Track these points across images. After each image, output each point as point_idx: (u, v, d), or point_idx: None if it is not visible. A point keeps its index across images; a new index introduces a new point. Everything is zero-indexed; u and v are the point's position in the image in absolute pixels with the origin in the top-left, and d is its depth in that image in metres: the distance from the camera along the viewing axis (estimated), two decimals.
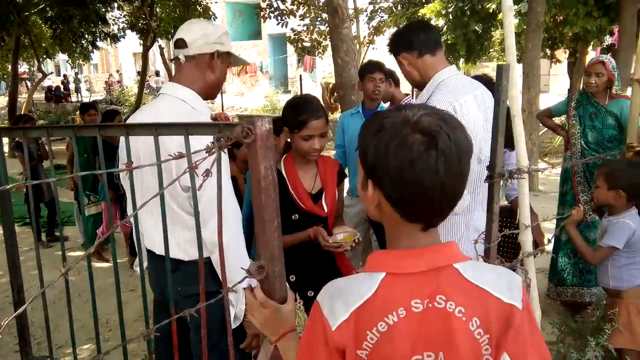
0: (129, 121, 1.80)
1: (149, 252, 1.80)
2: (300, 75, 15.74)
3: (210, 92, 1.77)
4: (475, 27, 8.86)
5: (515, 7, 8.16)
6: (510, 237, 2.15)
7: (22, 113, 6.46)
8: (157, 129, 1.17)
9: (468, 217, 1.96)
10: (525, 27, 8.29)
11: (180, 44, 1.70)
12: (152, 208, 1.76)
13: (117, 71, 29.15)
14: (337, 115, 14.51)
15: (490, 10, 8.54)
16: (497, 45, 10.99)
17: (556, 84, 17.68)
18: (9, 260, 1.62)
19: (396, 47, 2.06)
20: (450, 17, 9.04)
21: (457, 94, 1.90)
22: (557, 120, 3.88)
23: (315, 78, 22.16)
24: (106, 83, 26.27)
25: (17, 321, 1.74)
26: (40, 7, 11.10)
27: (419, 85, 2.07)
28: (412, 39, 2.00)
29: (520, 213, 1.78)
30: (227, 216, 1.52)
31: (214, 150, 0.93)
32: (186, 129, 1.14)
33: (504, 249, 2.81)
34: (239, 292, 1.57)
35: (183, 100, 1.67)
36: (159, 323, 1.91)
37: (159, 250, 1.69)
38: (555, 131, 3.79)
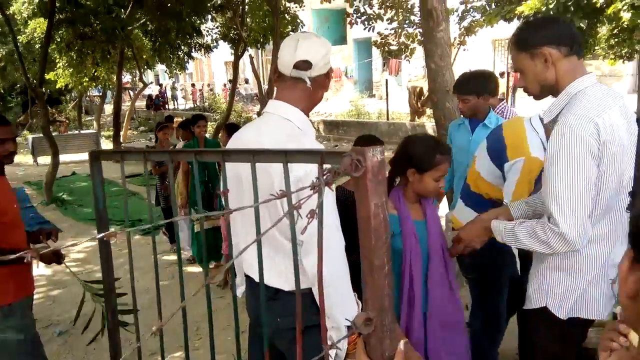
0: (231, 140, 1.72)
1: (248, 278, 1.72)
2: (387, 80, 15.47)
3: (313, 106, 1.72)
4: (580, 24, 8.14)
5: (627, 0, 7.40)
6: None
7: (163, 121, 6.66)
8: (254, 156, 1.06)
9: (606, 250, 1.67)
10: None
11: (303, 65, 1.61)
12: (239, 230, 1.68)
13: (192, 85, 30.58)
14: (423, 119, 14.12)
15: (598, 5, 7.80)
16: (603, 43, 10.07)
17: None
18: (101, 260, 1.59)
19: (538, 38, 1.66)
20: (552, 14, 8.38)
21: (599, 107, 1.58)
22: None
23: (401, 82, 21.75)
24: (196, 92, 27.79)
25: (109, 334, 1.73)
26: (142, 21, 11.83)
27: (545, 90, 1.73)
28: (564, 31, 1.66)
29: None
30: (330, 248, 1.39)
31: (318, 185, 0.79)
32: (285, 155, 1.02)
33: None
34: (342, 330, 1.43)
35: (288, 119, 1.60)
36: (253, 351, 1.85)
37: (258, 277, 1.60)
38: None
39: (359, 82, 24.03)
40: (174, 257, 5.74)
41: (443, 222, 3.62)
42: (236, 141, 1.68)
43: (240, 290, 1.78)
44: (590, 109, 1.58)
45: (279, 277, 1.55)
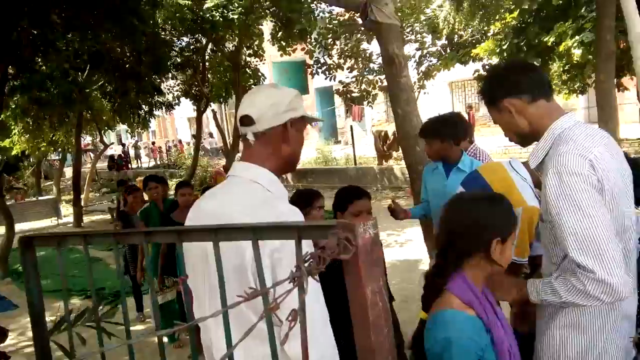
0: (192, 210, 1.50)
1: None
2: (351, 126, 15.63)
3: (287, 165, 1.49)
4: (534, 62, 8.43)
5: (577, 37, 7.73)
6: None
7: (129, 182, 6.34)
8: (217, 234, 0.88)
9: (617, 302, 1.51)
10: (590, 57, 7.83)
11: (246, 121, 1.43)
12: (202, 305, 1.46)
13: (152, 143, 30.51)
14: (390, 162, 14.20)
15: (549, 44, 8.12)
16: (556, 78, 10.47)
17: (623, 113, 16.65)
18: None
19: (497, 91, 1.63)
20: (505, 55, 8.68)
21: (589, 144, 1.49)
22: None
23: (365, 127, 22.09)
24: (156, 150, 27.66)
25: None
26: (100, 83, 11.66)
27: (525, 138, 1.66)
28: (520, 80, 1.60)
29: None
30: (316, 329, 1.19)
31: (298, 277, 0.61)
32: (253, 232, 0.84)
33: None
34: None
35: (256, 181, 1.39)
36: None
37: None
38: None
39: (323, 130, 24.26)
40: (140, 327, 5.35)
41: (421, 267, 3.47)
42: (197, 212, 1.46)
43: None
44: (581, 146, 1.48)
45: None
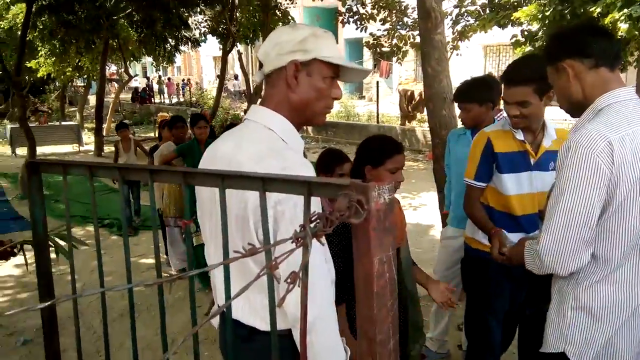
0: (206, 153, 1.43)
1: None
2: (377, 82, 15.28)
3: (301, 116, 1.34)
4: None
5: (625, 10, 7.28)
6: None
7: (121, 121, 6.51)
8: (224, 180, 0.82)
9: (636, 295, 1.46)
10: (636, 33, 7.40)
11: (260, 62, 1.35)
12: (211, 252, 1.44)
13: (168, 79, 30.30)
14: (413, 124, 13.94)
15: (595, 14, 7.68)
16: None
17: None
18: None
19: (561, 50, 1.53)
20: (547, 22, 8.25)
21: (621, 124, 1.40)
22: None
23: (392, 84, 21.61)
24: (172, 86, 27.63)
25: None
26: (128, 11, 11.48)
27: (576, 107, 1.55)
28: (588, 43, 1.49)
29: None
30: (316, 287, 1.15)
31: (302, 238, 0.56)
32: (263, 183, 0.78)
33: None
34: None
35: (270, 128, 1.29)
36: None
37: (232, 312, 1.36)
38: None
39: (349, 83, 23.85)
40: (149, 261, 5.46)
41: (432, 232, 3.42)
42: (211, 155, 1.38)
43: (216, 321, 1.54)
44: (609, 125, 1.40)
45: (253, 315, 1.30)
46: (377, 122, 14.72)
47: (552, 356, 1.57)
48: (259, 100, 1.54)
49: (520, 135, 2.16)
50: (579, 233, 1.42)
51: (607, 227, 1.43)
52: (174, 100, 27.18)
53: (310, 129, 15.38)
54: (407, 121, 14.02)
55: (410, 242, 3.26)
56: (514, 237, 2.10)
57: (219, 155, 1.32)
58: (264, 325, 1.29)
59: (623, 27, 7.48)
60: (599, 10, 7.64)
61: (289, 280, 0.56)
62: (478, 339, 2.47)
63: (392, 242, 0.65)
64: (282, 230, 1.16)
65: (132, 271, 1.23)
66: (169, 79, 30.17)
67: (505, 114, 3.49)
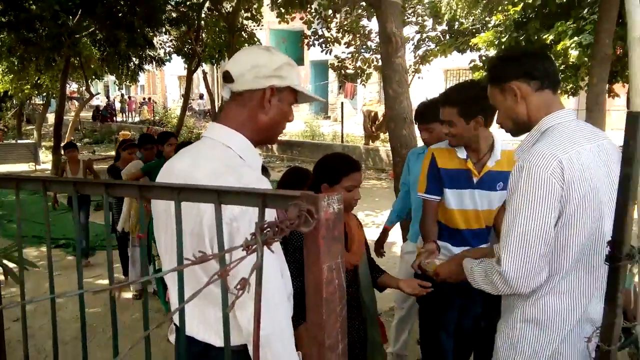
0: (162, 170, 1.45)
1: (176, 326, 1.47)
2: (342, 102, 15.51)
3: (264, 136, 1.41)
4: None
5: (576, 38, 7.69)
6: None
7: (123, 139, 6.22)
8: (179, 193, 0.85)
9: (582, 304, 1.53)
10: (586, 59, 7.81)
11: (227, 77, 1.37)
12: (166, 263, 1.44)
13: (129, 97, 30.07)
14: (377, 143, 14.18)
15: (547, 41, 8.08)
16: None
17: (610, 119, 16.81)
18: None
19: (507, 72, 1.59)
20: (503, 48, 8.62)
21: (568, 144, 1.47)
22: None
23: (356, 105, 21.96)
24: (132, 104, 27.39)
25: None
26: (91, 29, 11.33)
27: (519, 127, 1.63)
28: (535, 66, 1.56)
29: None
30: (270, 301, 1.17)
31: (254, 246, 0.59)
32: (218, 195, 0.81)
33: None
34: None
35: (228, 146, 1.33)
36: None
37: (186, 328, 1.35)
38: None
39: (314, 104, 24.05)
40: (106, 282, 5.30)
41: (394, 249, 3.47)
42: (167, 173, 1.40)
43: (172, 337, 1.53)
44: (557, 145, 1.47)
45: (208, 331, 1.30)
46: (342, 141, 14.90)
47: None
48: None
49: (462, 154, 2.26)
50: (538, 251, 1.46)
51: (557, 242, 1.49)
52: (137, 119, 26.76)
53: (275, 147, 15.41)
54: (370, 141, 14.26)
55: (375, 258, 3.33)
56: (457, 251, 2.19)
57: (175, 172, 1.33)
58: (218, 340, 1.29)
59: (574, 53, 7.89)
60: (551, 37, 8.05)
61: (238, 287, 0.58)
62: (430, 351, 2.54)
63: (341, 251, 0.69)
64: (237, 245, 1.18)
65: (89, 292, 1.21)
66: (129, 97, 29.75)
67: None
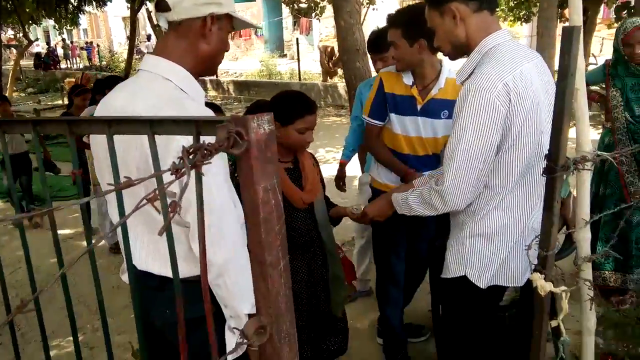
0: (99, 105, 1.39)
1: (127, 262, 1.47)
2: (297, 39, 15.11)
3: (205, 67, 1.37)
4: None
5: None
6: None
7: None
8: (111, 126, 0.82)
9: (525, 216, 1.62)
10: None
11: (162, 5, 1.29)
12: (132, 216, 1.42)
13: (71, 41, 28.50)
14: (335, 80, 14.02)
15: None
16: (503, 5, 10.44)
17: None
18: None
19: None
20: None
21: (511, 65, 1.49)
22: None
23: (313, 41, 21.44)
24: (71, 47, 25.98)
25: None
26: None
27: (458, 49, 1.63)
28: None
29: (579, 207, 1.45)
30: (224, 230, 1.18)
31: (184, 170, 0.58)
32: (150, 125, 0.79)
33: None
34: (242, 319, 1.24)
35: (167, 79, 1.28)
36: (146, 347, 1.63)
37: (140, 264, 1.36)
38: (593, 100, 3.20)
39: (269, 42, 23.36)
40: (68, 231, 5.23)
41: (356, 183, 3.53)
42: (105, 109, 1.35)
43: (125, 277, 1.54)
44: (501, 66, 1.50)
45: (164, 265, 1.32)
46: (299, 79, 14.65)
47: (453, 281, 1.72)
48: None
49: (408, 80, 2.26)
50: (478, 170, 1.52)
51: (502, 161, 1.55)
52: (82, 65, 25.41)
53: (231, 88, 15.06)
54: (328, 77, 14.07)
55: (335, 194, 3.38)
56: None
57: (112, 109, 1.29)
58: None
59: None
60: None
61: (169, 210, 0.58)
62: (382, 271, 2.67)
63: (276, 172, 0.69)
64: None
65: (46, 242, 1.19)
66: (72, 42, 28.08)
67: None
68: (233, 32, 1.50)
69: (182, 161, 0.59)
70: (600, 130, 3.22)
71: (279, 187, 0.70)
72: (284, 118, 1.95)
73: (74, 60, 26.65)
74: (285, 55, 21.97)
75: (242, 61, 22.03)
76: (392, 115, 2.32)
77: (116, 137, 0.91)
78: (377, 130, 2.39)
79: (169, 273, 1.33)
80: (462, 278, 1.69)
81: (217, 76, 16.48)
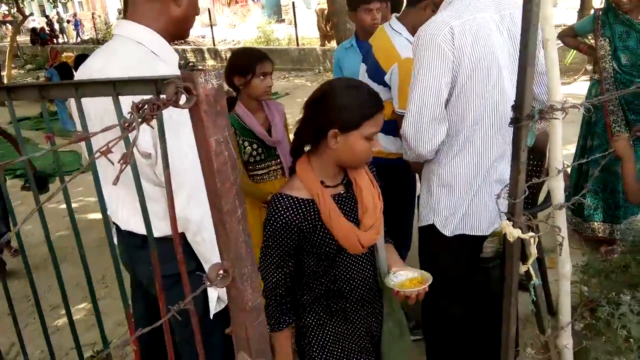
0: (78, 71, 1.44)
1: (115, 225, 1.54)
2: (293, 2, 14.84)
3: (177, 30, 1.40)
4: None
5: None
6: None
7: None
8: (77, 89, 0.86)
9: (486, 165, 1.67)
10: None
11: None
12: (109, 177, 1.48)
13: (75, 15, 28.17)
14: (333, 44, 13.82)
15: None
16: None
17: None
18: None
19: None
20: None
21: (464, 12, 1.55)
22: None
23: (310, 4, 21.06)
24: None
25: None
26: None
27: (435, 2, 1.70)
28: None
29: (550, 156, 1.49)
30: (200, 187, 1.23)
31: (134, 125, 0.63)
32: (114, 86, 0.83)
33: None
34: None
35: (140, 42, 1.32)
36: (135, 299, 1.73)
37: (124, 225, 1.43)
38: (581, 51, 3.26)
39: (266, 7, 22.98)
40: (75, 205, 5.33)
41: None
42: (84, 73, 1.39)
43: (117, 239, 1.62)
44: (452, 13, 1.56)
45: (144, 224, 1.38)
46: (297, 44, 14.47)
47: (424, 230, 1.79)
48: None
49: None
50: (432, 111, 1.60)
51: (455, 106, 1.61)
52: (78, 39, 25.15)
53: (228, 56, 14.91)
54: (326, 41, 13.87)
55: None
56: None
57: (89, 73, 1.33)
58: (155, 232, 1.37)
59: None
60: None
61: (121, 161, 0.63)
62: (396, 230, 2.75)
63: (227, 124, 0.74)
64: (170, 140, 1.22)
65: (53, 217, 1.25)
66: (74, 14, 27.75)
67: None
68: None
69: (132, 115, 0.64)
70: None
71: (232, 139, 0.74)
72: (348, 123, 1.35)
73: (80, 32, 26.40)
74: (283, 20, 21.63)
75: (240, 28, 21.71)
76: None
77: (95, 101, 0.96)
78: None
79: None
80: (431, 227, 1.76)
81: (214, 44, 16.30)
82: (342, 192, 1.47)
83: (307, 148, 1.45)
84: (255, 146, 2.29)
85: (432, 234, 1.77)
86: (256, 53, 2.27)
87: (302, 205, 1.41)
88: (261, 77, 2.20)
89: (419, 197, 2.61)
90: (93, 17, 25.89)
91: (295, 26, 14.62)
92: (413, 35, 2.25)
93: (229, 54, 15.08)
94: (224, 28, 21.93)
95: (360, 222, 1.45)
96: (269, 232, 1.41)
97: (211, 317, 1.43)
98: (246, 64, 2.20)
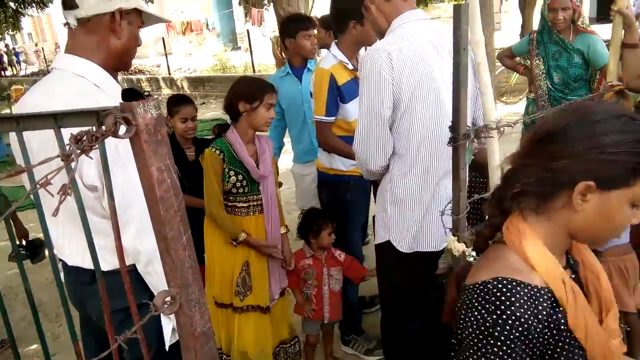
0: (17, 105, 1.42)
1: (61, 261, 1.51)
2: (248, 30, 15.00)
3: (117, 62, 1.40)
4: None
5: None
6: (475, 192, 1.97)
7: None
8: (18, 123, 0.86)
9: (433, 182, 1.74)
10: None
11: (69, 3, 1.32)
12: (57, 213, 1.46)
13: (14, 49, 27.63)
14: None
15: None
16: None
17: (507, 21, 17.55)
18: None
19: None
20: None
21: (401, 39, 1.65)
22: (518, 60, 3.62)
23: (265, 32, 21.31)
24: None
25: None
26: None
27: (385, 36, 1.79)
28: None
29: (490, 176, 1.57)
30: (149, 219, 1.23)
31: (72, 157, 0.64)
32: (55, 119, 0.84)
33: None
34: (177, 303, 1.31)
35: (81, 75, 1.31)
36: (84, 335, 1.68)
37: (71, 260, 1.40)
38: (517, 71, 3.49)
39: (222, 35, 23.09)
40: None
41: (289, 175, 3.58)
42: (21, 107, 1.38)
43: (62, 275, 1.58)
44: (390, 40, 1.66)
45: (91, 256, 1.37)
46: (254, 71, 14.57)
47: (381, 246, 1.84)
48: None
49: (350, 65, 2.37)
50: (376, 133, 1.70)
51: (401, 126, 1.70)
52: (29, 71, 24.49)
53: (185, 85, 14.86)
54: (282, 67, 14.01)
55: (291, 184, 3.44)
56: None
57: (28, 109, 1.32)
58: (105, 265, 1.35)
59: None
60: None
61: (60, 193, 0.64)
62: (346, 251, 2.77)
63: (168, 152, 0.76)
64: (114, 170, 1.22)
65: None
66: (36, 44, 27.08)
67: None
68: (185, 28, 1.56)
69: (71, 147, 0.65)
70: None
71: (174, 167, 0.76)
72: (613, 175, 0.88)
73: (21, 66, 25.69)
74: (239, 48, 21.77)
75: (196, 56, 21.69)
76: (347, 105, 2.39)
77: (38, 134, 0.95)
78: (330, 126, 2.45)
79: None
80: (388, 243, 1.81)
81: (169, 73, 16.21)
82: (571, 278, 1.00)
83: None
84: (240, 177, 2.25)
85: (389, 251, 1.81)
86: (266, 83, 2.28)
87: (539, 299, 0.90)
88: (267, 107, 2.22)
89: (374, 217, 2.69)
90: (37, 49, 25.34)
91: (251, 53, 14.75)
92: (353, 57, 2.40)
93: (185, 83, 15.04)
94: (179, 56, 21.86)
95: (600, 320, 1.00)
96: (494, 343, 0.87)
97: (167, 348, 1.41)
98: (256, 91, 2.21)
